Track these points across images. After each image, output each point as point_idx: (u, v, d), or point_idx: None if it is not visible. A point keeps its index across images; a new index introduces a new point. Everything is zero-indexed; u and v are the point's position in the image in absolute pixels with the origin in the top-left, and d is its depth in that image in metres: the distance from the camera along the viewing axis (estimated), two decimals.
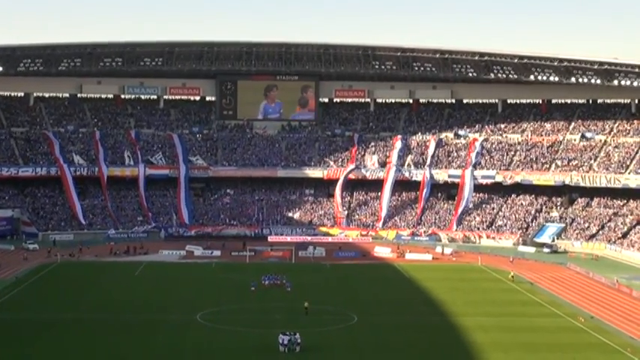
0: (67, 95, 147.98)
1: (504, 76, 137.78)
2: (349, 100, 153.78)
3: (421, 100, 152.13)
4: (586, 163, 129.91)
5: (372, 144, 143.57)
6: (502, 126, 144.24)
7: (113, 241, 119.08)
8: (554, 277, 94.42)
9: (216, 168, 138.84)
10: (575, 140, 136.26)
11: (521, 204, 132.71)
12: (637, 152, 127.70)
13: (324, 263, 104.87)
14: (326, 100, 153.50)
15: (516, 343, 62.56)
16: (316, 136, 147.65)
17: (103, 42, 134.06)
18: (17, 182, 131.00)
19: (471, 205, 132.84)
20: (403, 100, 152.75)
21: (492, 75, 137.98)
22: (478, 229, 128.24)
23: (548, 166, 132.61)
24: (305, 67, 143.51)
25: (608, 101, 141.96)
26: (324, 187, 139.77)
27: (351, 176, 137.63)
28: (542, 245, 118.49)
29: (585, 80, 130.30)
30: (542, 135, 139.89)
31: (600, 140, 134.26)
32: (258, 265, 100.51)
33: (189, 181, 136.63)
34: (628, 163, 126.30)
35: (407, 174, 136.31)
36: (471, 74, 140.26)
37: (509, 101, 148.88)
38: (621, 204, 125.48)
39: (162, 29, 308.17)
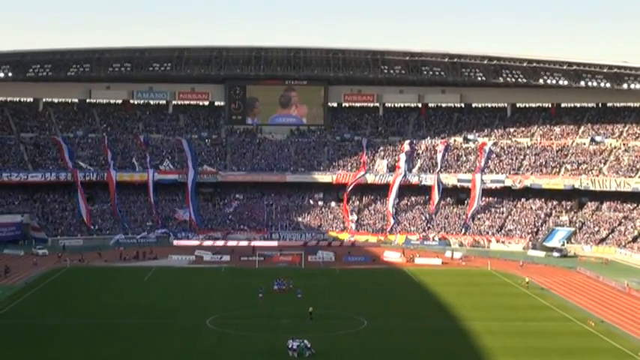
0: (76, 100, 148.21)
1: (513, 80, 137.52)
2: (358, 104, 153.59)
3: (430, 105, 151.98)
4: (596, 167, 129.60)
5: (381, 148, 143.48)
6: (511, 130, 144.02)
7: (122, 246, 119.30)
8: (564, 282, 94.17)
9: (225, 173, 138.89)
10: (584, 144, 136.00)
11: (531, 208, 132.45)
12: None
13: (334, 268, 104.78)
14: (335, 104, 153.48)
15: (526, 347, 62.41)
16: (325, 141, 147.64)
17: (111, 47, 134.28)
18: (27, 187, 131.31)
19: (478, 209, 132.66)
20: (412, 105, 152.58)
21: (501, 79, 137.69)
22: (488, 233, 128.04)
23: (557, 170, 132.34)
24: (314, 71, 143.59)
25: (617, 105, 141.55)
26: (334, 191, 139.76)
27: (361, 181, 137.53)
28: (552, 249, 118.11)
29: (595, 84, 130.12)
30: (551, 139, 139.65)
31: (610, 144, 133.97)
32: (267, 270, 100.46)
33: (198, 185, 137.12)
34: (638, 166, 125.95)
35: (416, 179, 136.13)
36: (480, 78, 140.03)
37: (518, 105, 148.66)
38: (631, 208, 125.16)
39: (170, 34, 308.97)
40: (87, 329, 67.02)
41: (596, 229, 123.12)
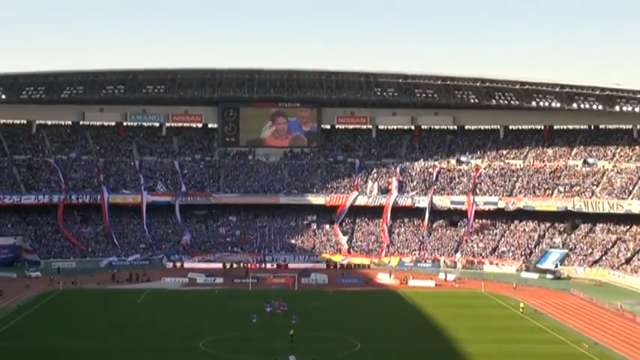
0: (70, 123, 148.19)
1: (506, 102, 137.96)
2: (351, 126, 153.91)
3: (423, 127, 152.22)
4: (588, 189, 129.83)
5: (375, 170, 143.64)
6: (504, 152, 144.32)
7: (115, 268, 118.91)
8: (558, 304, 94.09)
9: (219, 195, 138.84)
10: (577, 166, 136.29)
11: (524, 230, 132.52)
12: (639, 178, 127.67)
13: (327, 290, 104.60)
14: (328, 126, 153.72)
15: None
16: (318, 163, 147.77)
17: (105, 69, 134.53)
18: (19, 210, 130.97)
19: (470, 231, 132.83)
20: (405, 127, 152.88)
21: (494, 101, 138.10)
22: (481, 255, 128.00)
23: (550, 192, 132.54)
24: (307, 93, 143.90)
25: (610, 127, 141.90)
26: (327, 213, 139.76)
27: (353, 203, 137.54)
28: (546, 271, 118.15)
29: (587, 106, 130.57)
30: (544, 161, 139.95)
31: (602, 166, 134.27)
32: (260, 292, 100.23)
33: (191, 207, 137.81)
34: (630, 188, 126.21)
35: (409, 201, 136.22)
36: (472, 100, 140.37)
37: (511, 127, 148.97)
38: (624, 229, 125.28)
39: (163, 56, 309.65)
40: (80, 352, 66.75)
41: (590, 250, 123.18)
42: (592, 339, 73.49)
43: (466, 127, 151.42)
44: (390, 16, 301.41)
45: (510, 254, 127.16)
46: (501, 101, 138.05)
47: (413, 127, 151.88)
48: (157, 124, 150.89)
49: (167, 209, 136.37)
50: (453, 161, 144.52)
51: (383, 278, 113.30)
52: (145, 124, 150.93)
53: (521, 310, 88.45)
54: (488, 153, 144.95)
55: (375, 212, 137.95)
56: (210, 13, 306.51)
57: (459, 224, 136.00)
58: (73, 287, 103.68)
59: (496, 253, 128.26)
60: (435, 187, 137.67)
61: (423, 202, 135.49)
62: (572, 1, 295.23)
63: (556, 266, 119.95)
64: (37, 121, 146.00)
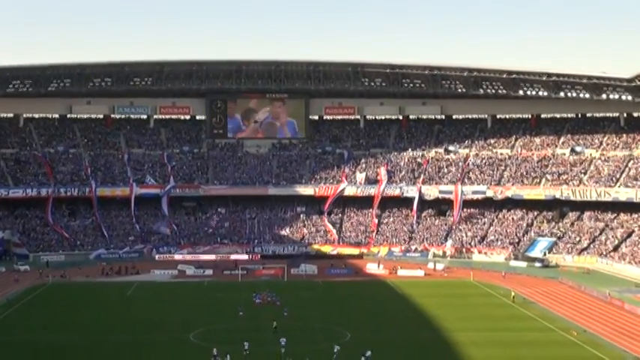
0: (57, 116, 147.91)
1: (493, 91, 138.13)
2: (339, 117, 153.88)
3: (411, 117, 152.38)
4: (576, 177, 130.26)
5: (363, 160, 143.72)
6: (492, 141, 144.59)
7: (104, 261, 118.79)
8: (547, 292, 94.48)
9: (208, 187, 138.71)
10: (564, 154, 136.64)
11: (512, 219, 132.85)
12: (626, 165, 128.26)
13: (317, 280, 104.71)
14: (316, 117, 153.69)
15: (510, 358, 62.65)
16: (307, 154, 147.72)
17: (92, 62, 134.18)
18: (7, 203, 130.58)
19: (458, 220, 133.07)
20: (393, 117, 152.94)
21: (481, 90, 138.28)
22: (470, 244, 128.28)
23: (538, 180, 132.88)
24: (295, 84, 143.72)
25: (597, 115, 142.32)
26: (316, 204, 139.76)
27: (341, 194, 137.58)
28: (534, 260, 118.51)
29: (574, 95, 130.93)
30: (532, 150, 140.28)
31: (590, 154, 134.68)
32: (250, 283, 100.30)
33: (180, 199, 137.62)
34: (617, 176, 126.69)
35: (398, 190, 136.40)
36: (460, 90, 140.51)
37: (498, 116, 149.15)
38: (612, 217, 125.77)
39: (151, 48, 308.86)
40: (69, 346, 66.74)
41: (578, 238, 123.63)
42: (581, 326, 73.84)
43: (454, 117, 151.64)
44: (377, 6, 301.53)
45: (499, 243, 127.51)
46: (489, 90, 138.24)
47: (401, 117, 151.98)
48: (145, 117, 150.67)
49: (156, 201, 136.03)
50: (441, 151, 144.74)
51: (372, 268, 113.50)
52: (132, 116, 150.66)
53: (512, 299, 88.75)
54: (476, 142, 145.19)
55: (364, 202, 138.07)
56: (198, 5, 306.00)
57: (447, 214, 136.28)
58: (62, 280, 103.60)
59: (485, 242, 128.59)
60: (424, 176, 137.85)
61: (411, 191, 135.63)
62: None
63: (544, 254, 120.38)
64: (25, 115, 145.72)
